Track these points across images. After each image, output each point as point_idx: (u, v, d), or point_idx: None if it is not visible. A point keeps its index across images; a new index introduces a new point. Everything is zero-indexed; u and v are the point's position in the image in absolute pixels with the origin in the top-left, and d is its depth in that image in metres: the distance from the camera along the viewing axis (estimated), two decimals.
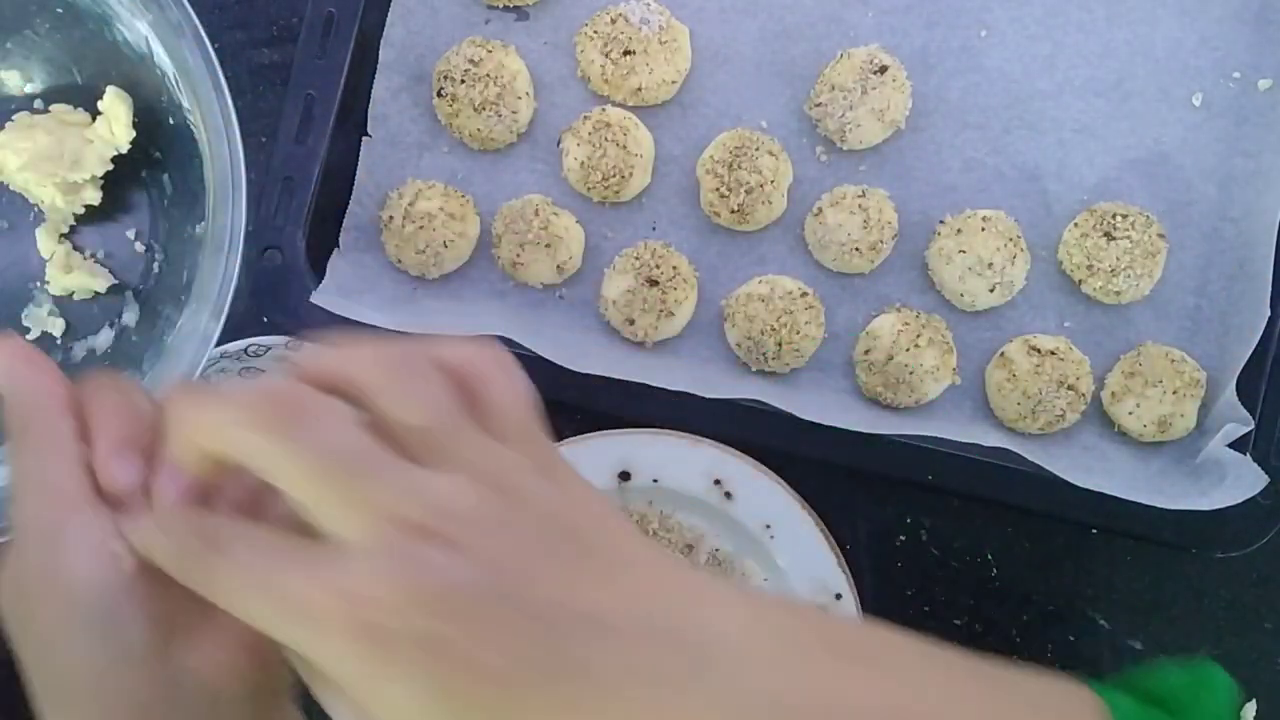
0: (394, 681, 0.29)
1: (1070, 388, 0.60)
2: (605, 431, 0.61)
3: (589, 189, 0.63)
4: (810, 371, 0.63)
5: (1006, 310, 0.63)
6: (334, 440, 0.30)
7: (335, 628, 0.28)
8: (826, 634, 0.33)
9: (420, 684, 0.29)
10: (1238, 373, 0.60)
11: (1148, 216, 0.61)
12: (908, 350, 0.60)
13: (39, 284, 0.64)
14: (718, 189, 0.61)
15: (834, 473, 0.63)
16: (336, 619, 0.28)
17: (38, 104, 0.63)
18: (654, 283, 0.61)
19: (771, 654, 0.32)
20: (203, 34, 0.52)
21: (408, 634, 0.28)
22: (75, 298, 0.64)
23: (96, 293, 0.63)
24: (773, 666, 0.31)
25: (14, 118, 0.61)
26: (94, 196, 0.62)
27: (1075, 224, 0.62)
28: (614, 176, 0.62)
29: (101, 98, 0.60)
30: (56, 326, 0.63)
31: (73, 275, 0.62)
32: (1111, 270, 0.60)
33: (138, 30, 0.57)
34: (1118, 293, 0.61)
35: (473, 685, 0.29)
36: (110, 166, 0.61)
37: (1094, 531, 0.64)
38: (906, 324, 0.61)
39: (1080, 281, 0.62)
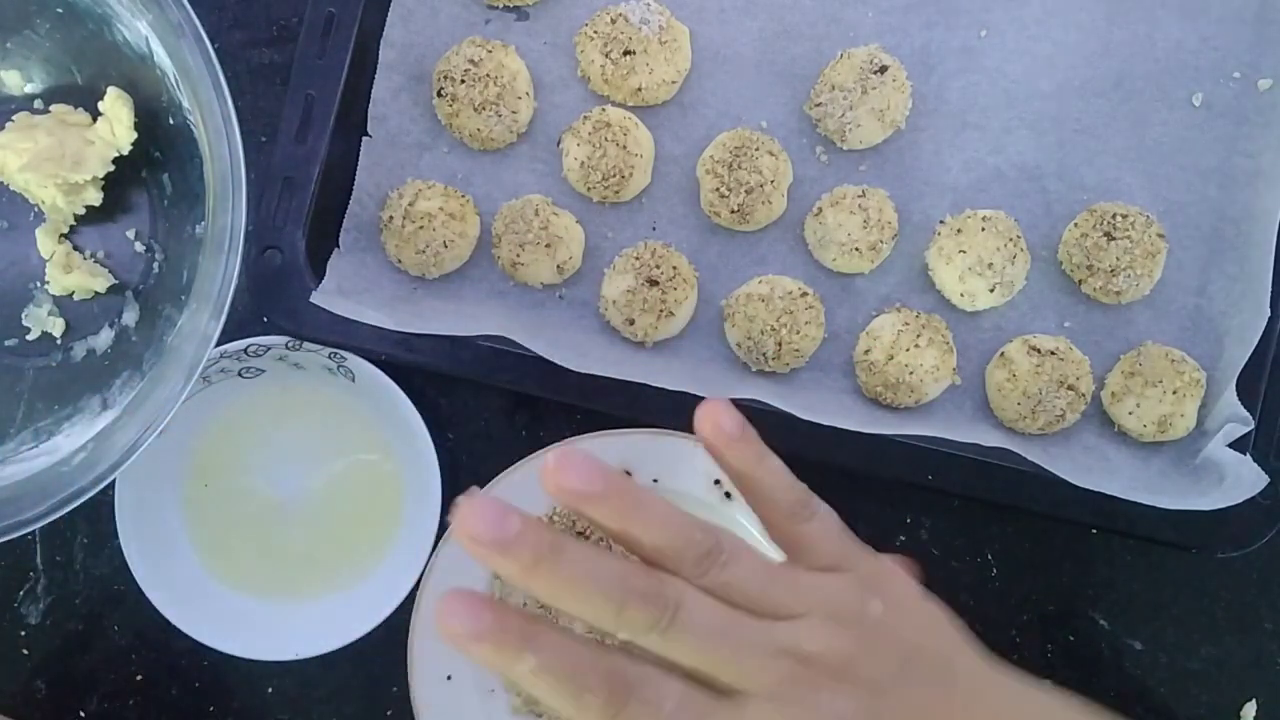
0: None
1: (1070, 388, 0.60)
2: (605, 431, 0.61)
3: (589, 189, 0.63)
4: (810, 372, 0.63)
5: (1006, 310, 0.63)
6: (713, 621, 0.34)
7: None
8: None
9: None
10: (1238, 373, 0.60)
11: (1148, 216, 0.61)
12: (908, 350, 0.60)
13: (39, 284, 0.64)
14: (718, 189, 0.61)
15: (834, 473, 0.63)
16: None
17: (38, 104, 0.63)
18: (654, 283, 0.61)
19: None
20: (203, 34, 0.52)
21: None
22: (75, 298, 0.64)
23: (96, 293, 0.63)
24: None
25: (14, 118, 0.62)
26: (95, 197, 0.62)
27: (1075, 224, 0.62)
28: (614, 176, 0.62)
29: (102, 98, 0.60)
30: (56, 326, 0.63)
31: (73, 275, 0.62)
32: (1111, 270, 0.60)
33: (138, 30, 0.57)
34: (1118, 293, 0.61)
35: None
36: (111, 168, 0.61)
37: (1094, 531, 0.64)
38: (906, 324, 0.61)
39: (1080, 281, 0.62)
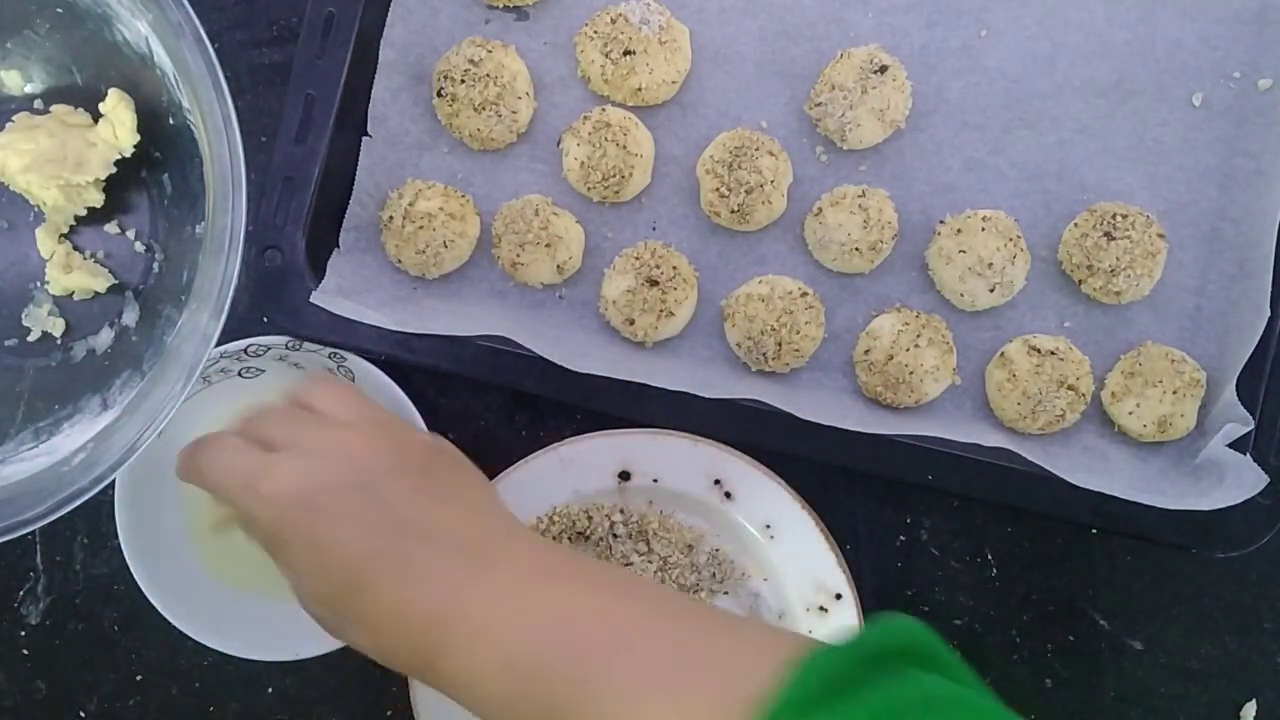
0: (283, 528, 0.47)
1: (1070, 388, 0.60)
2: (605, 431, 0.61)
3: (589, 189, 0.63)
4: (810, 371, 0.63)
5: (1006, 310, 0.63)
6: (286, 415, 0.51)
7: (259, 493, 0.47)
8: (586, 569, 0.48)
9: (300, 535, 0.46)
10: (1238, 373, 0.60)
11: (1148, 216, 0.61)
12: (908, 350, 0.60)
13: (39, 284, 0.64)
14: (718, 189, 0.61)
15: (834, 473, 0.63)
16: (264, 486, 0.47)
17: (38, 104, 0.63)
18: (654, 283, 0.61)
19: (535, 575, 0.46)
20: (203, 34, 0.52)
21: (302, 502, 0.46)
22: (75, 298, 0.64)
23: (96, 293, 0.63)
24: (533, 583, 0.45)
25: (15, 118, 0.61)
26: (96, 198, 0.62)
27: (1075, 224, 0.62)
28: (614, 176, 0.62)
29: (102, 99, 0.60)
30: (56, 326, 0.63)
31: (73, 275, 0.62)
32: (1111, 270, 0.60)
33: (138, 30, 0.57)
34: (1118, 293, 0.61)
35: (329, 541, 0.46)
36: (113, 169, 0.61)
37: (1094, 531, 0.64)
38: (906, 324, 0.61)
39: (1080, 281, 0.62)
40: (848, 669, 0.39)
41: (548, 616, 0.44)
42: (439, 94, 0.63)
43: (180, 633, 0.61)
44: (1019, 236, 0.61)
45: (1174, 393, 0.60)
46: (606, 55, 0.62)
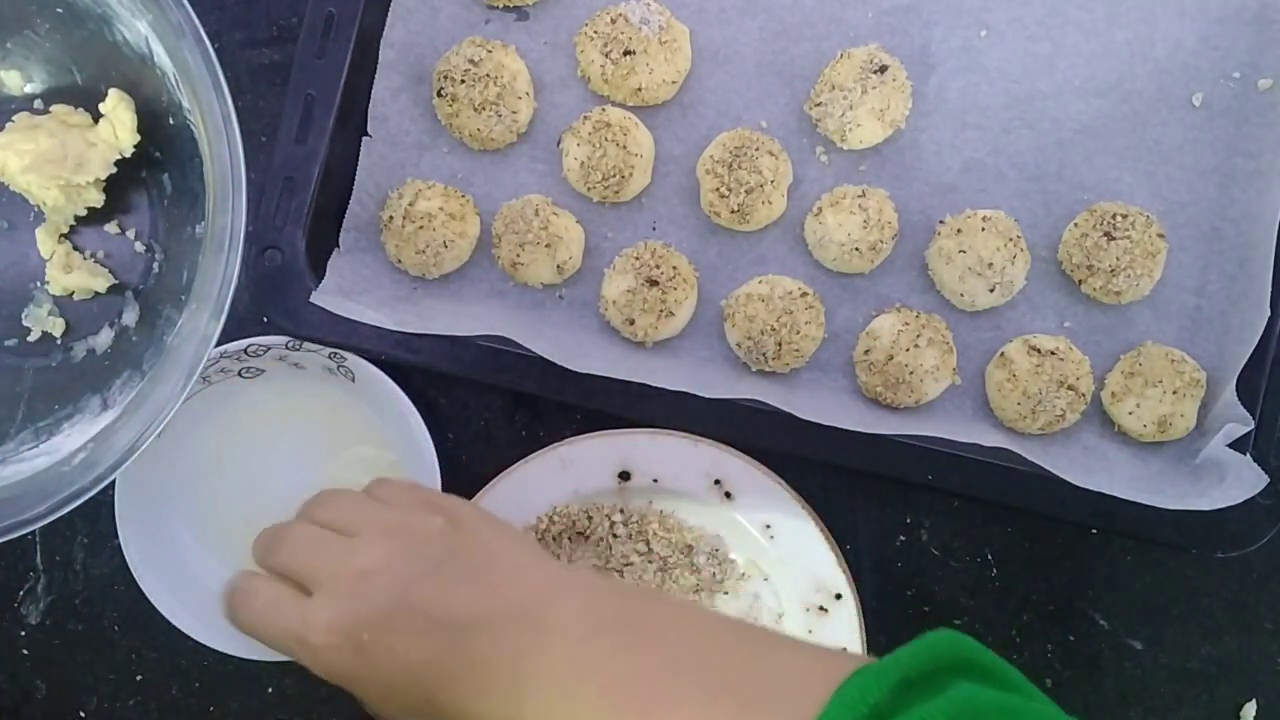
0: (344, 669, 0.48)
1: (1070, 388, 0.60)
2: (605, 431, 0.61)
3: (589, 189, 0.63)
4: (810, 371, 0.63)
5: (1006, 310, 0.63)
6: (305, 539, 0.52)
7: (310, 645, 0.48)
8: (628, 610, 0.47)
9: (363, 670, 0.48)
10: (1238, 373, 0.60)
11: (1148, 216, 0.61)
12: (908, 350, 0.60)
13: (39, 284, 0.64)
14: (718, 189, 0.61)
15: (834, 473, 0.63)
16: (311, 639, 0.48)
17: (38, 104, 0.63)
18: (654, 283, 0.61)
19: (583, 632, 0.46)
20: (203, 34, 0.52)
21: (350, 641, 0.47)
22: (75, 298, 0.64)
23: (96, 293, 0.63)
24: (582, 641, 0.46)
25: (15, 118, 0.61)
26: (96, 198, 0.62)
27: (1075, 224, 0.62)
28: (614, 176, 0.62)
29: (102, 99, 0.60)
30: (56, 326, 0.63)
31: (73, 275, 0.62)
32: (1111, 270, 0.60)
33: (138, 30, 0.57)
34: (1118, 293, 0.61)
35: (391, 667, 0.47)
36: (113, 169, 0.61)
37: (1094, 531, 0.64)
38: (906, 324, 0.61)
39: (1080, 281, 0.62)
40: (889, 691, 0.39)
41: (597, 679, 0.45)
42: (439, 94, 0.63)
43: (180, 633, 0.61)
44: (1019, 236, 0.61)
45: (1174, 393, 0.60)
46: (606, 55, 0.62)
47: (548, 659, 0.45)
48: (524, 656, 0.46)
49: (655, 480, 0.62)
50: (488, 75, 0.62)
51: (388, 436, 0.64)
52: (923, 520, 0.65)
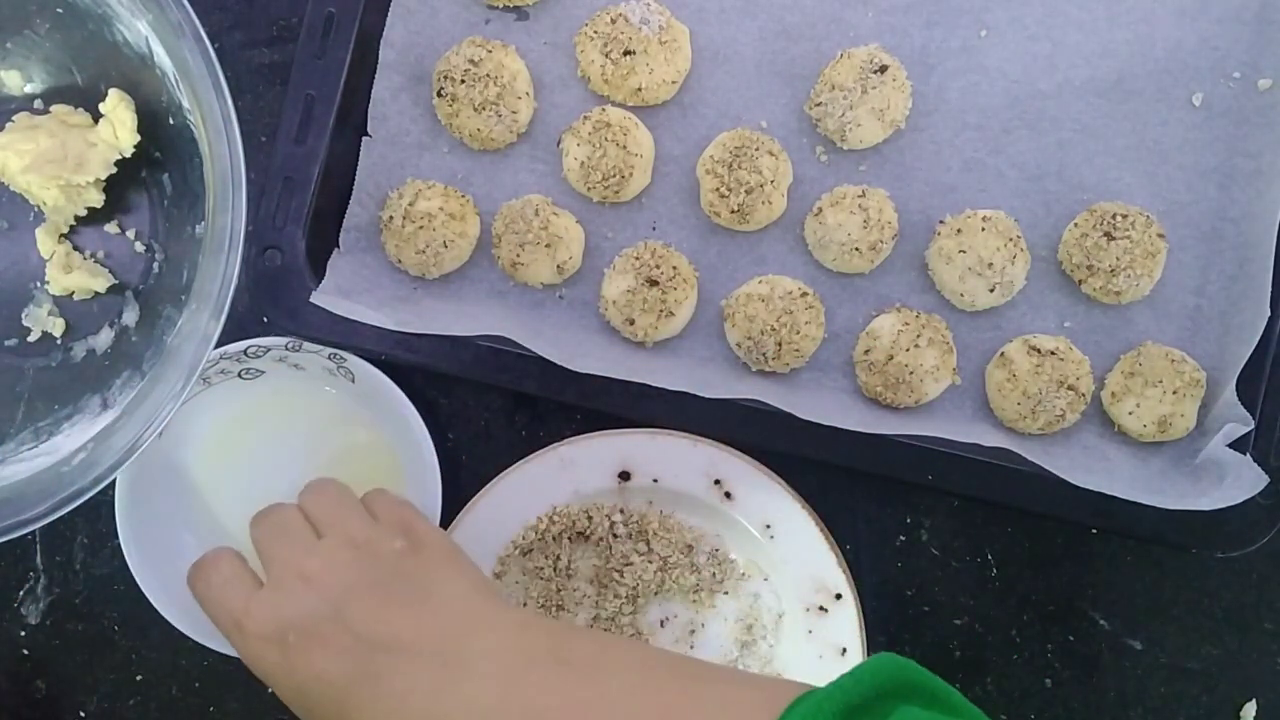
0: (268, 665, 0.50)
1: (1070, 388, 0.60)
2: (605, 431, 0.61)
3: (589, 189, 0.63)
4: (810, 371, 0.63)
5: (1006, 310, 0.63)
6: (281, 525, 0.54)
7: (244, 633, 0.50)
8: (561, 648, 0.47)
9: (282, 670, 0.49)
10: (1238, 373, 0.60)
11: (1148, 216, 0.61)
12: (908, 350, 0.60)
13: (39, 284, 0.64)
14: (718, 189, 0.61)
15: (834, 473, 0.63)
16: (247, 626, 0.50)
17: (38, 104, 0.63)
18: (654, 283, 0.61)
19: (511, 667, 0.46)
20: (203, 34, 0.52)
21: (277, 638, 0.49)
22: (75, 298, 0.64)
23: (96, 293, 0.63)
24: (509, 677, 0.46)
25: (15, 118, 0.61)
26: (96, 198, 0.62)
27: (1075, 224, 0.62)
28: (614, 176, 0.62)
29: (102, 99, 0.60)
30: (56, 326, 0.63)
31: (73, 275, 0.62)
32: (1111, 270, 0.60)
33: (138, 30, 0.57)
34: (1118, 293, 0.61)
35: (307, 675, 0.48)
36: (113, 169, 0.61)
37: (1094, 531, 0.64)
38: (906, 324, 0.61)
39: (1080, 281, 0.62)
40: (835, 717, 0.39)
41: (524, 714, 0.45)
42: (439, 94, 0.63)
43: (180, 633, 0.61)
44: (1019, 236, 0.61)
45: (1174, 393, 0.60)
46: (606, 55, 0.62)
47: (466, 697, 0.45)
48: (442, 693, 0.46)
49: (655, 480, 0.62)
50: (488, 75, 0.62)
51: (388, 437, 0.64)
52: (923, 520, 0.65)
